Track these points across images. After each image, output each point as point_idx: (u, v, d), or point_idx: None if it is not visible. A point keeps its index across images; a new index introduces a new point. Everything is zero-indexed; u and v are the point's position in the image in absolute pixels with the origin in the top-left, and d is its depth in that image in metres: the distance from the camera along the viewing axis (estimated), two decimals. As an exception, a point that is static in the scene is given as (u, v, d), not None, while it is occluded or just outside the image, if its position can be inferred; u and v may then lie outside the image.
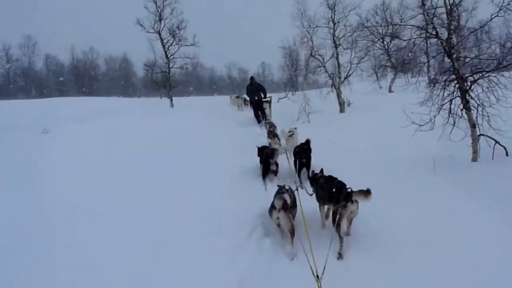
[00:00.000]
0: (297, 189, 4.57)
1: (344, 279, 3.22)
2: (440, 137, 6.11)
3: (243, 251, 3.77)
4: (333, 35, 15.45)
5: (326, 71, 15.23)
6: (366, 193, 3.78)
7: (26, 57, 58.03)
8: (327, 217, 4.35)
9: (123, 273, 3.28)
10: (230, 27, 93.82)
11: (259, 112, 12.52)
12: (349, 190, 3.84)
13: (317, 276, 2.85)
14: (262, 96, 12.72)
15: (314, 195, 4.54)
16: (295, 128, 8.49)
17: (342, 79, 15.27)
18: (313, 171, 4.98)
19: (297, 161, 6.33)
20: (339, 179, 4.21)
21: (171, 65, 20.39)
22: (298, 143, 7.05)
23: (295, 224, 3.89)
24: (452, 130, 6.12)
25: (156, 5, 19.67)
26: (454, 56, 6.21)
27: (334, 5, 15.53)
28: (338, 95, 14.98)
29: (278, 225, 3.97)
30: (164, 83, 20.96)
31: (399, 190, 5.08)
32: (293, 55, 41.17)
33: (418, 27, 6.73)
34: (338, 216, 3.75)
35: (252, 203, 4.82)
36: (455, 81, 6.23)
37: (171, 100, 20.13)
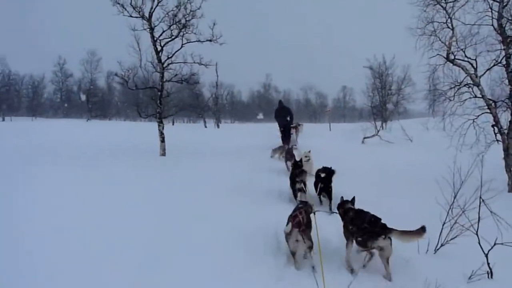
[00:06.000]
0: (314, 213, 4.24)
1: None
2: None
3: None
4: (500, 13, 7.22)
5: (481, 95, 7.41)
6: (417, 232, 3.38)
7: (88, 73, 55.93)
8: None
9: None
10: (307, 48, 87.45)
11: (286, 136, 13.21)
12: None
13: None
14: (288, 120, 13.24)
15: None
16: (309, 151, 8.68)
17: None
18: (342, 197, 4.51)
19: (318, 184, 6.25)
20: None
21: (165, 75, 11.18)
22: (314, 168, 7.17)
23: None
24: None
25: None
26: None
27: None
28: (509, 147, 7.00)
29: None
30: (155, 107, 11.53)
31: None
32: (383, 76, 33.06)
33: None
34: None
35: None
36: None
37: (161, 134, 11.04)
